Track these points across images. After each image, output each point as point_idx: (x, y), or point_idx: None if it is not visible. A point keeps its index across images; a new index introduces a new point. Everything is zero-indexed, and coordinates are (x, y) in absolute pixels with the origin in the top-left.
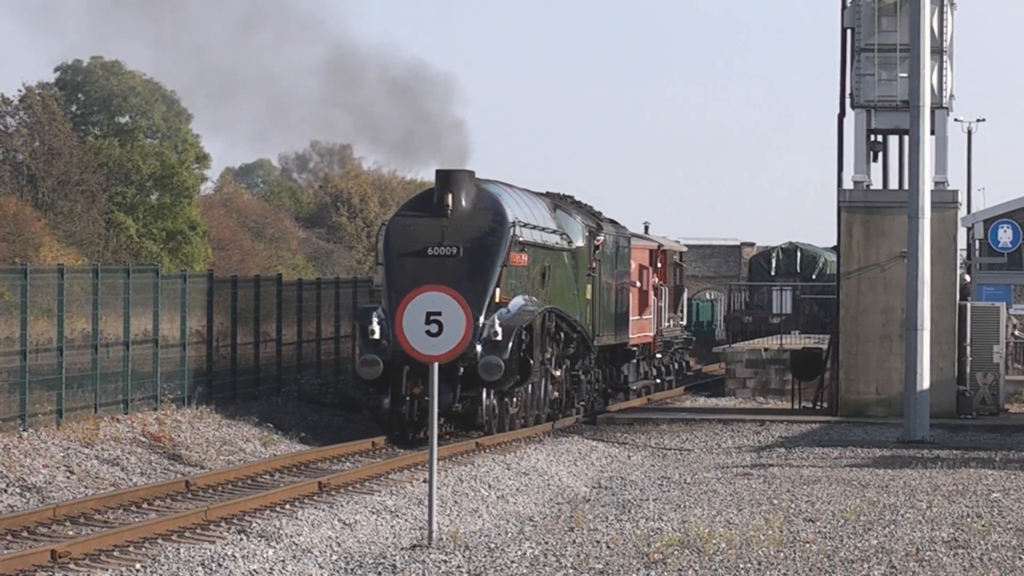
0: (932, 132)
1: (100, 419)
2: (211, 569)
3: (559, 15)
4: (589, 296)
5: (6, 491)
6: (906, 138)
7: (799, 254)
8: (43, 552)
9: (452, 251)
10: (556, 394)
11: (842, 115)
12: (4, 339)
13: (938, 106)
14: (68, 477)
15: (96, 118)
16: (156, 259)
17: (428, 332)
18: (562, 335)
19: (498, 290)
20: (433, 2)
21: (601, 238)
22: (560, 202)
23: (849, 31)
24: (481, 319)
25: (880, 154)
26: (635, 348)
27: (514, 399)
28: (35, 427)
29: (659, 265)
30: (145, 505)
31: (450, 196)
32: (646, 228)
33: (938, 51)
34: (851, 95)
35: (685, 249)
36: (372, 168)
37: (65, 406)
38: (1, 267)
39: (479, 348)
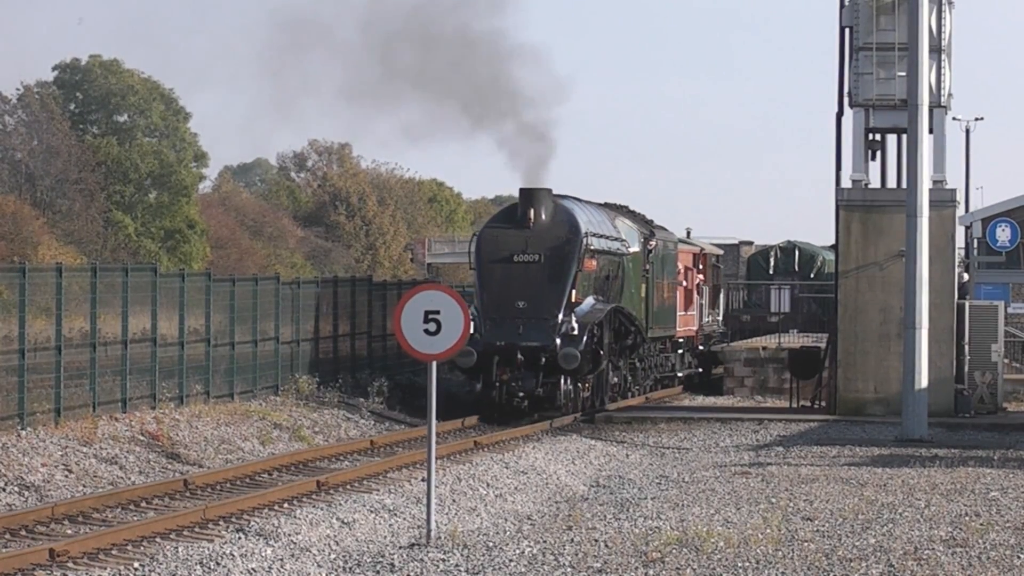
0: (930, 131)
1: (98, 418)
2: (209, 568)
3: (554, 11)
4: (643, 294)
5: (4, 490)
6: (904, 137)
7: (797, 253)
8: (41, 551)
9: (535, 258)
10: (616, 379)
11: (840, 114)
12: (2, 338)
13: (936, 105)
14: (66, 476)
15: (94, 117)
16: (154, 258)
17: (426, 331)
18: (623, 329)
19: (574, 292)
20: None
21: (653, 243)
22: (618, 211)
23: (848, 30)
24: (560, 316)
25: (878, 153)
26: (681, 340)
27: (586, 384)
28: (33, 426)
29: (701, 267)
30: (143, 504)
31: (532, 211)
32: (688, 233)
33: (936, 50)
34: (849, 94)
35: (722, 252)
36: (371, 166)
37: (63, 405)
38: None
39: (559, 341)
